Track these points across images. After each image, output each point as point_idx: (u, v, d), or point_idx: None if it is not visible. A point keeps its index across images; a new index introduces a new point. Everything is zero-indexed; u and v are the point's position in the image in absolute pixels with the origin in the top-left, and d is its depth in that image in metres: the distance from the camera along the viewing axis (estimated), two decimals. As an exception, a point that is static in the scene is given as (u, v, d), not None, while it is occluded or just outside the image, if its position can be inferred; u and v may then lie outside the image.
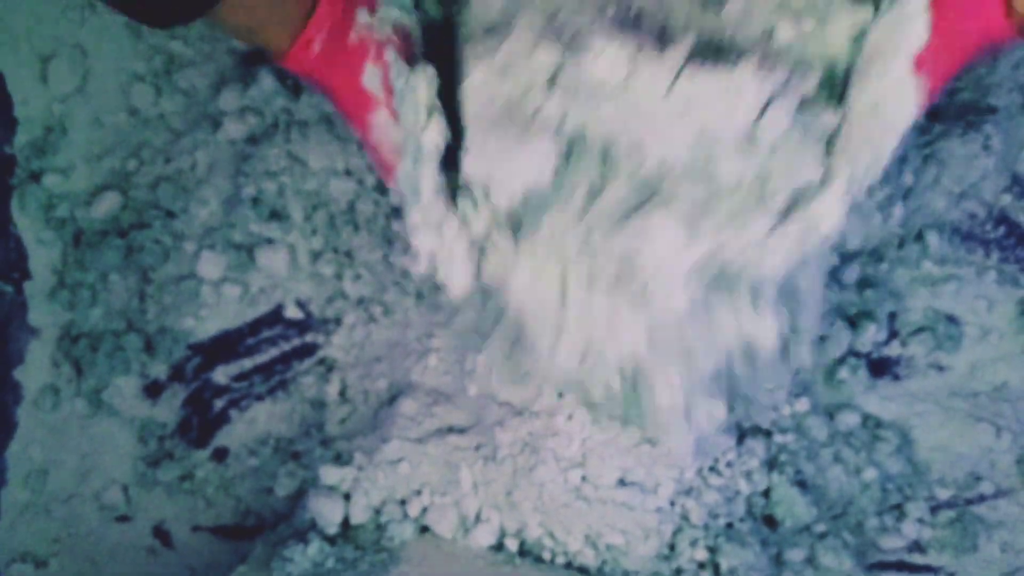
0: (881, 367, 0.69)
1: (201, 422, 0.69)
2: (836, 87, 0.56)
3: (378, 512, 0.64)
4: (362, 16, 0.58)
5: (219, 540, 0.69)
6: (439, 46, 0.59)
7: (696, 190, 0.53)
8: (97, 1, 0.45)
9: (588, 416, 0.61)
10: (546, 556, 0.62)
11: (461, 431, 0.65)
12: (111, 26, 0.68)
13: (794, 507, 0.65)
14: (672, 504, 0.62)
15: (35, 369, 0.69)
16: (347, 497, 0.65)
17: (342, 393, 0.69)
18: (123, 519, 0.69)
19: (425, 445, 0.64)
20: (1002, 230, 0.70)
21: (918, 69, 0.53)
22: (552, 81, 0.54)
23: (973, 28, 0.53)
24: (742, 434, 0.66)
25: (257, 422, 0.69)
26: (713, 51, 0.54)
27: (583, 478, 0.61)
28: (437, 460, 0.64)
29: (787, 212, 0.53)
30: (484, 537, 0.62)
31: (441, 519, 0.62)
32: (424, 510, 0.63)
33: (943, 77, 0.54)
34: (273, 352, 0.69)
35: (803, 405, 0.67)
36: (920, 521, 0.67)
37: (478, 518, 0.62)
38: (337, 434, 0.68)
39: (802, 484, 0.66)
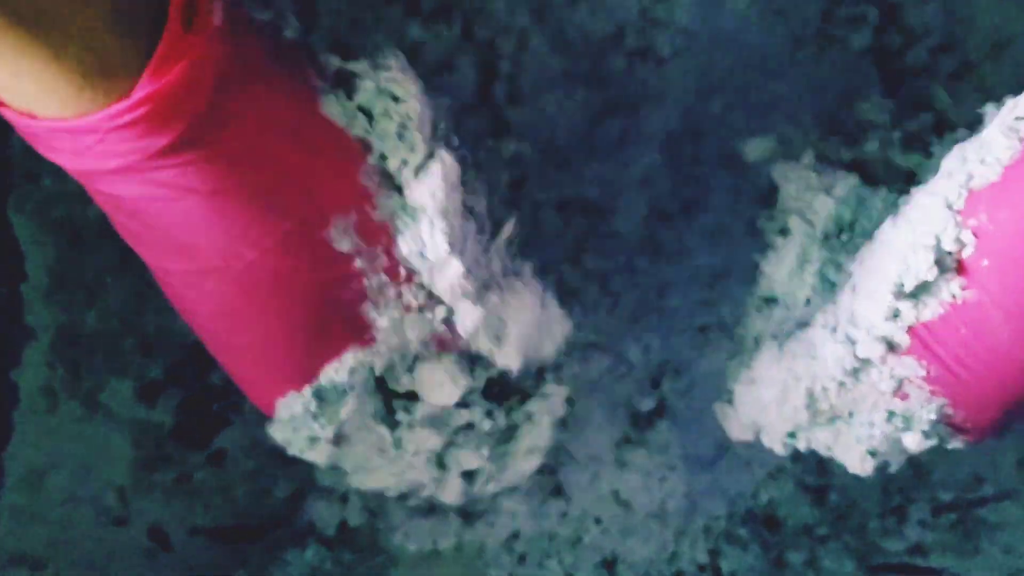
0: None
1: (198, 424, 0.68)
2: None
3: (375, 514, 0.64)
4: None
5: (217, 543, 0.68)
6: None
7: None
8: None
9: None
10: (547, 562, 0.62)
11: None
12: (107, 25, 0.67)
13: (796, 509, 0.65)
14: (673, 507, 0.61)
15: (31, 371, 0.68)
16: (344, 499, 0.64)
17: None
18: (120, 522, 0.68)
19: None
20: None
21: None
22: None
23: None
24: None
25: (255, 424, 0.68)
26: None
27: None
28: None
29: None
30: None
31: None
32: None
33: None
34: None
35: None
36: (922, 523, 0.67)
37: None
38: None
39: (804, 486, 0.66)
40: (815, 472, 0.66)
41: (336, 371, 0.41)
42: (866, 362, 0.47)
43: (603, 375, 0.61)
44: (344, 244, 0.37)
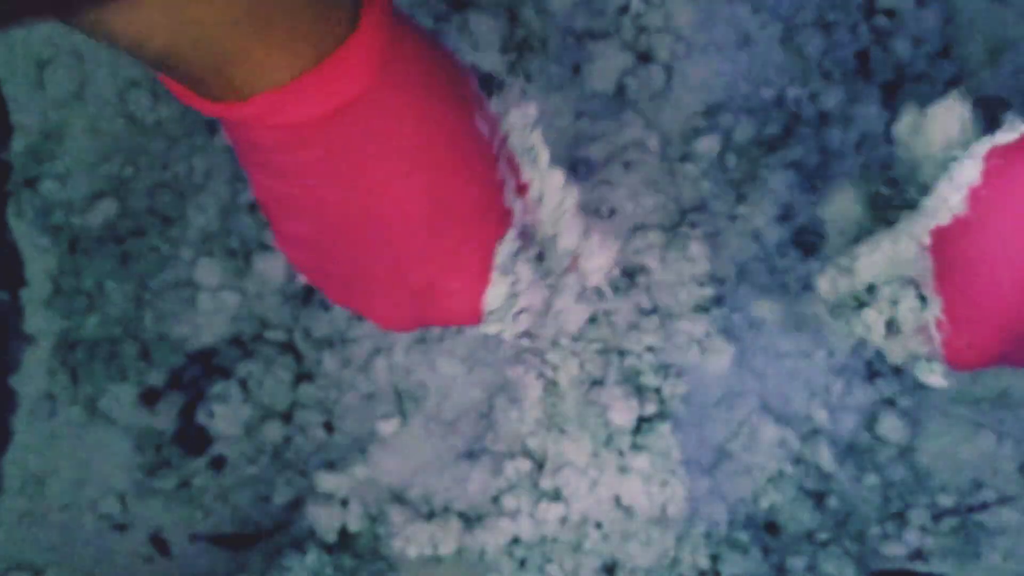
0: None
1: (198, 430, 0.68)
2: None
3: (375, 520, 0.64)
4: None
5: (217, 549, 0.68)
6: None
7: None
8: None
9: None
10: (548, 567, 0.62)
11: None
12: (108, 32, 0.67)
13: (797, 514, 0.65)
14: (674, 512, 0.61)
15: (31, 377, 0.68)
16: (344, 504, 0.64)
17: (341, 398, 0.68)
18: (120, 528, 0.68)
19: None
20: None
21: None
22: None
23: None
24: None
25: (255, 430, 0.68)
26: None
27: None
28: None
29: None
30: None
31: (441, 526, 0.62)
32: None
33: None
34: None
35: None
36: (922, 528, 0.67)
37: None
38: (335, 440, 0.68)
39: (805, 491, 0.66)
40: (816, 477, 0.66)
41: (504, 248, 0.46)
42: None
43: (604, 377, 0.61)
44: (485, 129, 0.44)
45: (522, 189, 0.46)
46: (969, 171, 0.46)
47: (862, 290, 0.50)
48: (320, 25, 0.36)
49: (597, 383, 0.61)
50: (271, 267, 0.67)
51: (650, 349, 0.62)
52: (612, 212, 0.63)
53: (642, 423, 0.61)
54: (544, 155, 0.47)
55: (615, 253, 0.50)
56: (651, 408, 0.61)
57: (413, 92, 0.40)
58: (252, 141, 0.39)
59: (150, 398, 0.69)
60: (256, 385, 0.68)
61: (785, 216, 0.65)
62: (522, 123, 0.46)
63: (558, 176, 0.47)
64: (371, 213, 0.42)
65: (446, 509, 0.63)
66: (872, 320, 0.50)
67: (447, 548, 0.62)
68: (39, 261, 0.70)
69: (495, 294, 0.46)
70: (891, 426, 0.67)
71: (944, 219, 0.47)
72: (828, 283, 0.52)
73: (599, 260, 0.49)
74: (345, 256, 0.44)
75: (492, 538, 0.61)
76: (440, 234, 0.43)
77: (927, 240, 0.48)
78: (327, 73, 0.37)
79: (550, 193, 0.47)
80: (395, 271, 0.45)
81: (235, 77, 0.36)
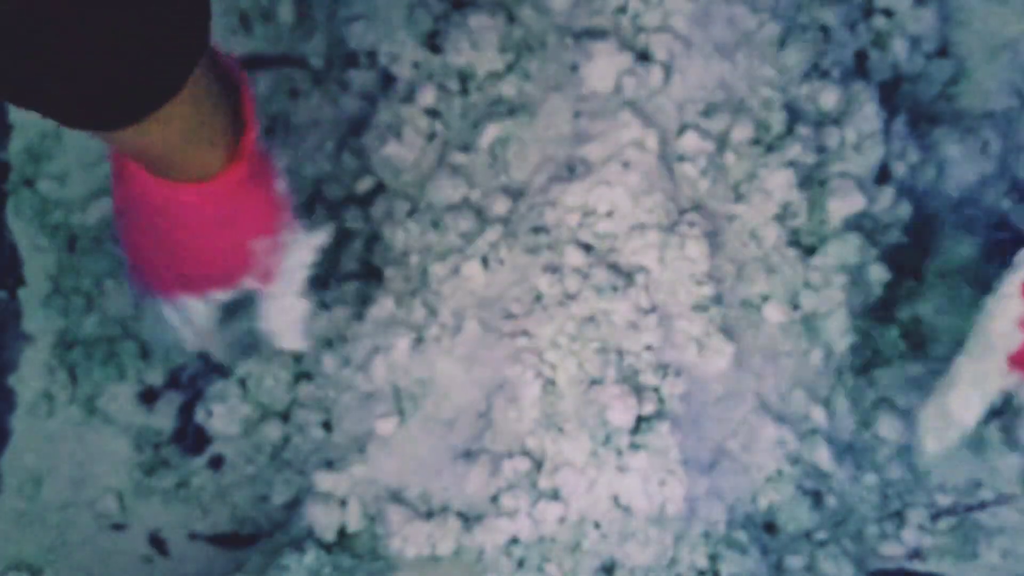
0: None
1: (197, 429, 0.68)
2: None
3: (373, 519, 0.64)
4: None
5: (215, 548, 0.68)
6: None
7: None
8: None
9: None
10: (546, 567, 0.62)
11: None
12: (106, 31, 0.67)
13: (796, 513, 0.65)
14: (672, 511, 0.61)
15: (30, 376, 0.68)
16: (343, 504, 0.64)
17: (340, 397, 0.68)
18: (118, 527, 0.68)
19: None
20: (1002, 235, 0.70)
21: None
22: None
23: None
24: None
25: (254, 429, 0.68)
26: None
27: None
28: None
29: None
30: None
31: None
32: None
33: None
34: (269, 358, 0.69)
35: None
36: (920, 528, 0.67)
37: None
38: (334, 440, 0.68)
39: (803, 490, 0.66)
40: (814, 477, 0.66)
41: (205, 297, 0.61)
42: None
43: (603, 376, 0.61)
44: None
45: (267, 281, 0.61)
46: (1010, 309, 0.54)
47: (970, 429, 0.59)
48: (217, 152, 0.54)
49: (596, 382, 0.61)
50: (269, 266, 0.67)
51: (649, 348, 0.61)
52: (610, 212, 0.63)
53: (641, 422, 0.61)
54: (301, 278, 0.61)
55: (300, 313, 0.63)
56: (650, 407, 0.61)
57: (248, 200, 0.57)
58: (167, 200, 0.56)
59: (148, 397, 0.69)
60: (255, 384, 0.68)
61: (783, 215, 0.65)
62: (301, 257, 0.60)
63: (302, 305, 0.61)
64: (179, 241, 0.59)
65: (444, 509, 0.63)
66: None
67: (445, 548, 0.62)
68: (38, 260, 0.70)
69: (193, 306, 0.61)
70: (889, 425, 0.67)
71: (1013, 347, 0.54)
72: (933, 440, 0.60)
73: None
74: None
75: (490, 538, 0.61)
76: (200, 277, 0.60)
77: (1006, 367, 0.56)
78: (215, 181, 0.55)
79: (287, 298, 0.61)
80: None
81: (175, 170, 0.54)
